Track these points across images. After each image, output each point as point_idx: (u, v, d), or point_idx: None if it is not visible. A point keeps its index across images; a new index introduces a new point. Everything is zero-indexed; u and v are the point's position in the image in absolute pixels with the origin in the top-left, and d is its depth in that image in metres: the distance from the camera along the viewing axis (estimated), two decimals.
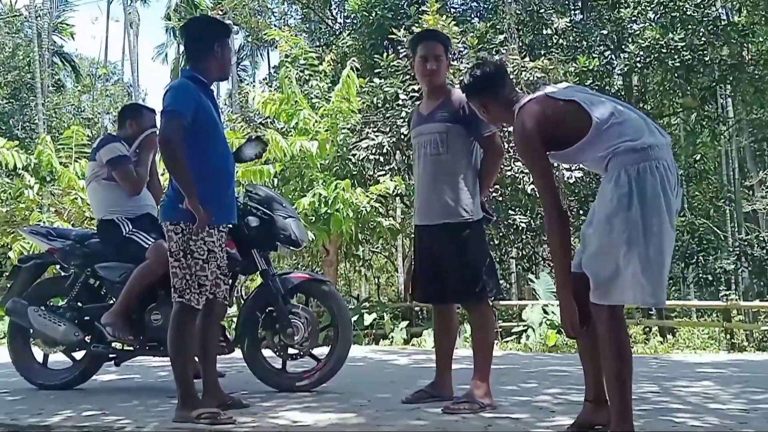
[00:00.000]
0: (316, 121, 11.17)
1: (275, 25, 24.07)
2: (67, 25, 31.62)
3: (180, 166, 3.16)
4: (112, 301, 4.21)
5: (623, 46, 14.76)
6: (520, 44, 14.40)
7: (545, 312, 10.56)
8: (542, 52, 13.89)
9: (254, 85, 25.54)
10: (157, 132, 3.88)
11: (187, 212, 3.16)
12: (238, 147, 3.97)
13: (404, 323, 11.58)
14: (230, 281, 3.92)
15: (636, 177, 2.48)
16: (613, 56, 15.14)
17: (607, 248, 2.49)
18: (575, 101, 2.63)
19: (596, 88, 12.79)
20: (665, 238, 2.48)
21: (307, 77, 12.78)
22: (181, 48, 36.01)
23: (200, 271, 3.24)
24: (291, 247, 4.21)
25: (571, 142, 2.63)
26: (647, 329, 11.29)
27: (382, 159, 11.11)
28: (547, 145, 2.65)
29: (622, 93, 15.98)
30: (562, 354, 8.50)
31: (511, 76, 11.83)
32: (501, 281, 13.64)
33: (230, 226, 3.46)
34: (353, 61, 11.80)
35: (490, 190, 4.47)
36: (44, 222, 10.07)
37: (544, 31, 15.23)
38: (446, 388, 3.59)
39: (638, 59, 14.17)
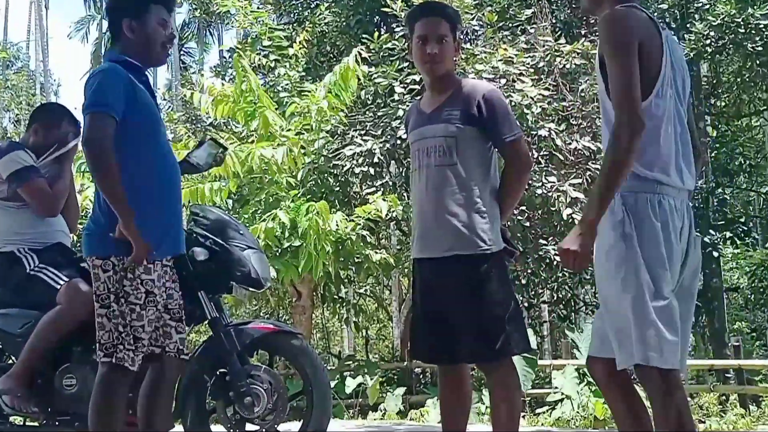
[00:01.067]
0: (282, 127, 11.16)
1: None
2: None
3: (110, 179, 3.15)
4: (10, 361, 4.18)
5: (688, 25, 14.91)
6: (553, 22, 14.54)
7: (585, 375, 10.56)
8: (582, 32, 14.01)
9: (202, 74, 25.62)
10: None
11: (119, 243, 3.17)
12: (187, 154, 3.98)
13: (400, 389, 11.55)
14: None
15: (633, 206, 2.66)
16: (675, 38, 15.29)
17: (608, 291, 2.70)
18: (662, 70, 2.74)
19: None
20: (666, 291, 2.61)
21: (272, 64, 12.84)
22: (105, 24, 36.46)
23: (136, 320, 3.24)
24: (251, 288, 4.20)
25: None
26: (723, 398, 11.29)
27: (372, 171, 11.13)
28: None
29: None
30: (611, 429, 8.48)
31: (542, 63, 11.87)
32: (530, 333, 13.60)
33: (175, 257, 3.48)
34: (361, 49, 11.75)
35: (515, 212, 4.48)
36: None
37: None
38: None
39: (708, 42, 14.31)
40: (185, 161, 3.90)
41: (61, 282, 4.06)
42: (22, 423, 4.29)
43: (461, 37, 3.78)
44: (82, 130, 3.19)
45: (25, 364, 3.98)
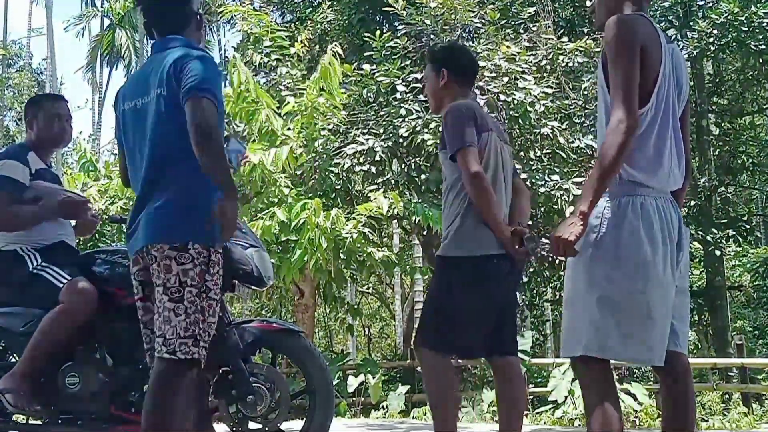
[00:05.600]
0: (284, 124, 11.13)
1: None
2: None
3: (223, 159, 2.99)
4: (13, 360, 4.18)
5: (691, 23, 14.89)
6: (556, 19, 14.52)
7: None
8: (585, 30, 14.00)
9: None
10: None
11: (199, 230, 3.05)
12: None
13: (403, 388, 11.54)
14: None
15: (614, 209, 2.75)
16: (678, 36, 15.27)
17: (572, 294, 2.80)
18: (659, 77, 2.82)
19: None
20: (649, 297, 2.69)
21: (273, 63, 12.83)
22: (105, 21, 36.24)
23: (211, 316, 3.15)
24: (253, 287, 4.20)
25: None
26: (726, 396, 11.28)
27: (373, 169, 11.11)
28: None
29: (691, 84, 16.08)
30: None
31: (545, 61, 11.81)
32: (532, 332, 13.60)
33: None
34: (335, 45, 11.76)
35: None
36: None
37: (588, 3, 15.36)
38: None
39: (711, 40, 14.29)
40: None
41: (64, 280, 4.05)
42: (25, 421, 4.28)
43: (444, 70, 4.01)
44: (191, 112, 2.99)
45: (28, 362, 3.97)
